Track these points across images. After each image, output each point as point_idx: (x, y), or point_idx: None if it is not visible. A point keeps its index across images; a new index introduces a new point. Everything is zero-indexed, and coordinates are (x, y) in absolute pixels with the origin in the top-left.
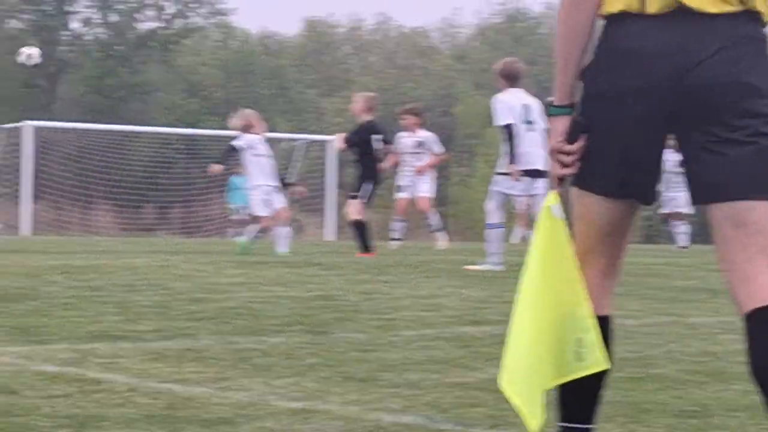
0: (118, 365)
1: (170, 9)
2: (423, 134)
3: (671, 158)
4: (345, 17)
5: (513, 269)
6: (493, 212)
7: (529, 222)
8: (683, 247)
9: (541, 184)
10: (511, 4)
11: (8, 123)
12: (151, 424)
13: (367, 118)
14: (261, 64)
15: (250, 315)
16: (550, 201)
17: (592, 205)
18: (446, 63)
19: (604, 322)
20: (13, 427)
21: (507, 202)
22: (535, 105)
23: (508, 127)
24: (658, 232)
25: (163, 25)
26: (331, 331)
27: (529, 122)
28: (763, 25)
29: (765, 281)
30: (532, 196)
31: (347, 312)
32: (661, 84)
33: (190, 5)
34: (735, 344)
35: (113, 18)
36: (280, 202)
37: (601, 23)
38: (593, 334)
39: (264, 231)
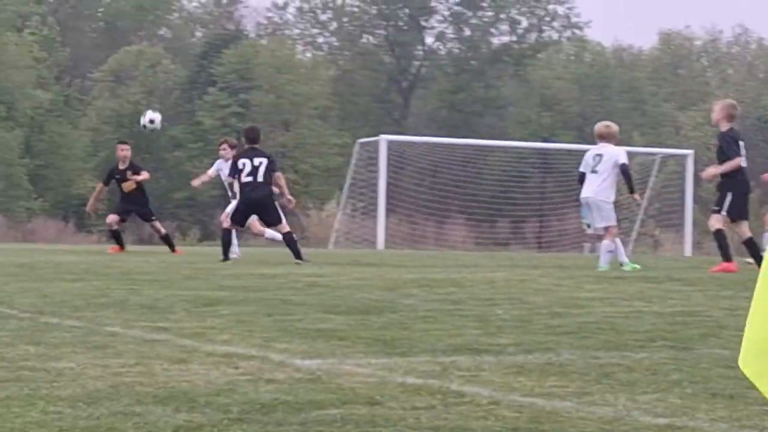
0: (480, 378)
1: (524, 23)
2: None
3: None
4: (701, 29)
5: None
6: None
7: None
8: None
9: None
10: None
11: (363, 137)
12: None
13: (727, 126)
14: (616, 77)
15: (611, 330)
16: None
17: None
18: None
19: None
20: None
21: None
22: None
23: None
24: None
25: (516, 39)
26: (695, 347)
27: None
28: None
29: None
30: None
31: (711, 328)
32: None
33: (545, 19)
34: None
35: (467, 33)
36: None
37: None
38: None
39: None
